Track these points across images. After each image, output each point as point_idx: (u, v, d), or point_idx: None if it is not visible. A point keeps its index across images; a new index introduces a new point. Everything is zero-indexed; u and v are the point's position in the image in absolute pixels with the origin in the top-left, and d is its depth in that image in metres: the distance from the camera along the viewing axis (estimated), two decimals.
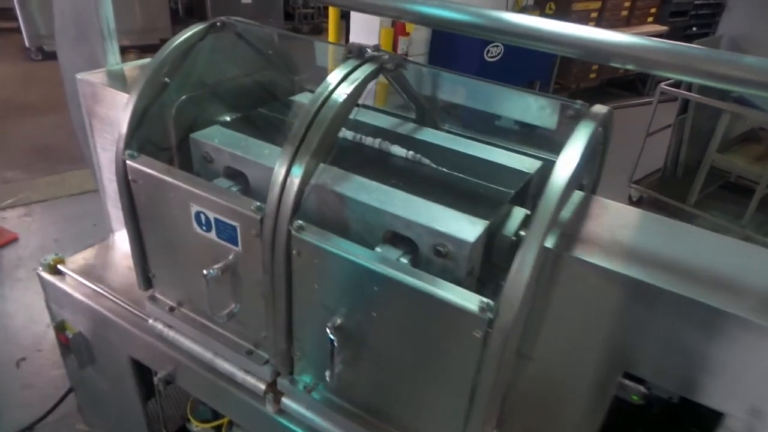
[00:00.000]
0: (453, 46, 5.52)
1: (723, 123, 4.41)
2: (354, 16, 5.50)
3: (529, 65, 6.00)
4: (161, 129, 1.55)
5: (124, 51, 2.19)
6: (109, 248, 2.07)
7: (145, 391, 2.01)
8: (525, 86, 6.03)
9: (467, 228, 1.18)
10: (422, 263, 1.23)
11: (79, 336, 1.94)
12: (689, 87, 4.88)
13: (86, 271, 1.94)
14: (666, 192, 5.00)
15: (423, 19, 1.40)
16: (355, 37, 5.75)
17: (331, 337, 1.24)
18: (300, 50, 1.92)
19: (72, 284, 1.90)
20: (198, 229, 1.41)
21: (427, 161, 1.45)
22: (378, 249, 1.24)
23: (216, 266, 1.39)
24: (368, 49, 1.39)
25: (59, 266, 1.92)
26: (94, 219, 4.01)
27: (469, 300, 1.06)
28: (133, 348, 1.81)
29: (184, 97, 1.57)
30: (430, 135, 1.63)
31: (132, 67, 2.02)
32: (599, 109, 1.18)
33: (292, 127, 1.28)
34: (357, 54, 1.37)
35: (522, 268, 0.99)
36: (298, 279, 1.28)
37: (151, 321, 1.69)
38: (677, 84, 4.87)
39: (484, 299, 1.05)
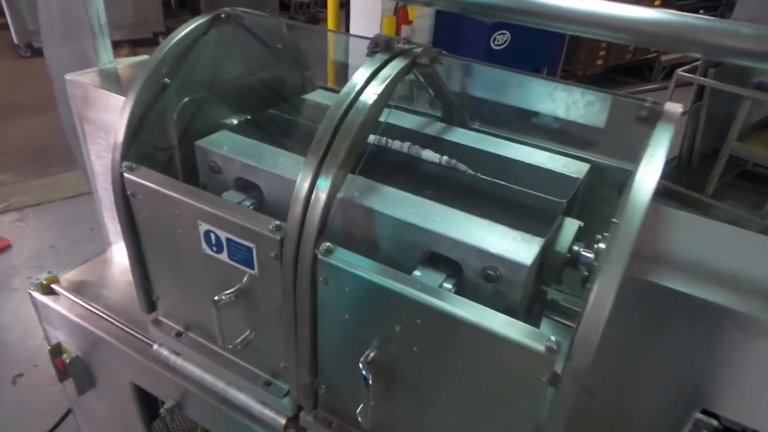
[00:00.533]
0: (458, 34, 5.33)
1: (744, 110, 4.24)
2: (354, 3, 5.29)
3: (536, 52, 5.81)
4: (162, 136, 1.38)
5: (116, 46, 2.02)
6: (107, 262, 1.90)
7: (148, 415, 1.86)
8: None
9: (522, 248, 1.02)
10: (468, 288, 1.07)
11: (77, 360, 1.78)
12: (705, 72, 4.70)
13: (82, 290, 1.77)
14: (682, 182, 4.84)
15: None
16: (355, 26, 5.54)
17: (365, 373, 1.08)
18: (311, 43, 1.74)
19: (67, 305, 1.74)
20: (208, 250, 1.25)
21: (463, 167, 1.29)
22: (417, 272, 1.08)
23: (228, 291, 1.23)
24: (397, 42, 1.22)
25: (53, 286, 1.76)
26: (90, 223, 3.84)
27: (533, 338, 0.90)
28: (136, 375, 1.65)
29: (186, 99, 1.40)
30: (460, 135, 1.47)
31: (126, 65, 1.84)
32: (674, 108, 1.02)
33: (316, 134, 1.11)
34: (385, 47, 1.20)
35: (601, 303, 0.83)
36: (325, 308, 1.12)
37: (155, 346, 1.53)
38: (693, 70, 4.70)
39: (552, 337, 0.89)
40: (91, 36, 1.70)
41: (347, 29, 5.62)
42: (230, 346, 1.32)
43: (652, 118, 1.00)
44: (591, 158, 1.44)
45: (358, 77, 1.15)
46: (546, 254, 1.13)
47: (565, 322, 1.28)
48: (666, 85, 7.18)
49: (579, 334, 0.84)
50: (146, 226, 1.35)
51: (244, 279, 1.23)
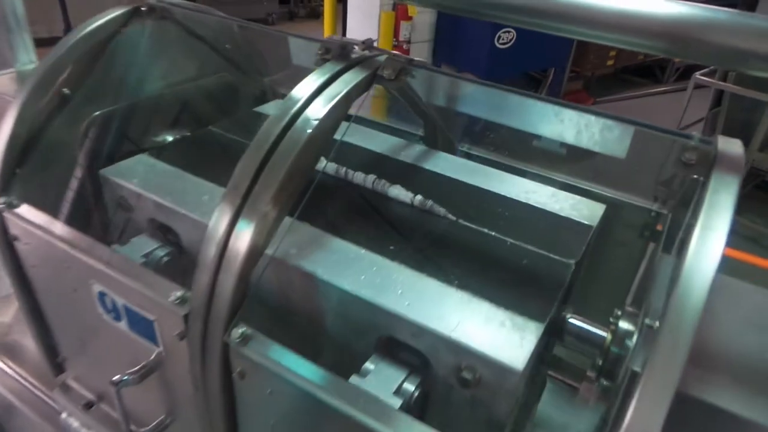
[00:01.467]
0: (461, 32, 5.01)
1: (767, 117, 3.91)
2: None
3: (543, 52, 5.48)
4: (63, 162, 1.09)
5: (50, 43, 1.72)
6: (13, 303, 1.60)
7: None
8: (538, 74, 5.48)
9: (511, 342, 0.73)
10: (438, 391, 0.78)
11: None
12: (724, 76, 4.37)
13: None
14: None
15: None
16: (352, 22, 5.22)
17: None
18: (269, 43, 1.45)
19: None
20: (105, 316, 0.96)
21: (441, 210, 0.99)
22: (369, 365, 0.78)
23: (131, 371, 0.94)
24: (356, 47, 0.92)
25: None
26: None
27: None
28: None
29: (97, 113, 1.11)
30: (443, 163, 1.17)
31: None
32: (731, 148, 0.72)
33: (237, 166, 0.82)
34: (339, 55, 0.90)
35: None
36: (246, 406, 0.84)
37: (64, 415, 1.25)
38: (711, 73, 4.37)
39: None
40: (5, 32, 1.41)
41: (344, 25, 5.31)
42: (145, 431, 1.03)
43: (702, 163, 0.70)
44: (607, 194, 1.15)
45: (301, 91, 0.86)
46: (548, 342, 0.84)
47: (570, 382, 1.00)
48: (679, 87, 6.84)
49: None
50: (40, 275, 1.06)
51: (152, 355, 0.94)
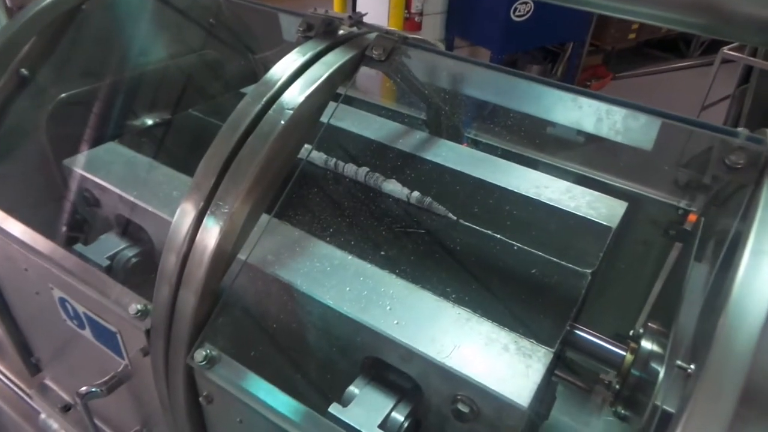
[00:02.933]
0: (475, 3, 4.79)
1: None
2: None
3: (561, 24, 5.23)
4: (24, 151, 0.99)
5: None
6: None
7: None
8: (556, 48, 5.25)
9: (516, 372, 0.63)
10: (431, 422, 0.68)
11: None
12: (754, 51, 4.13)
13: None
14: None
15: None
16: None
17: None
18: (258, 17, 1.32)
19: None
20: (69, 323, 0.87)
21: (442, 209, 0.88)
22: (353, 388, 0.69)
23: (98, 383, 0.85)
24: (342, 22, 0.80)
25: None
26: None
27: None
28: None
29: (62, 95, 1.01)
30: (447, 153, 1.05)
31: None
32: None
33: (202, 160, 0.72)
34: (322, 31, 0.78)
35: None
36: (216, 430, 0.75)
37: (43, 416, 1.18)
38: (740, 48, 4.12)
39: None
40: None
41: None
42: None
43: (751, 166, 0.58)
44: (628, 188, 1.03)
45: (277, 74, 0.75)
46: (555, 366, 0.74)
47: (580, 384, 0.91)
48: (704, 62, 6.53)
49: None
50: (2, 275, 0.98)
51: (120, 367, 0.86)
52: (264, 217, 0.75)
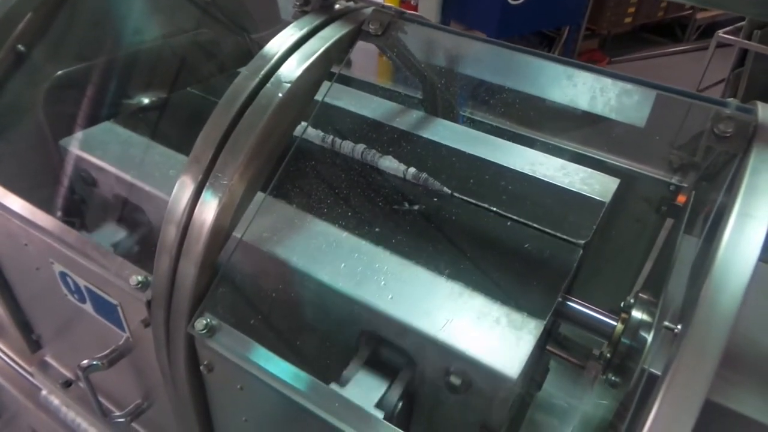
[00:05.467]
0: None
1: None
2: None
3: (557, 8, 5.21)
4: (21, 129, 0.99)
5: None
6: None
7: None
8: (552, 32, 5.24)
9: (506, 344, 0.64)
10: (425, 393, 0.70)
11: None
12: (750, 35, 4.13)
13: None
14: None
15: None
16: None
17: None
18: None
19: None
20: (70, 297, 0.88)
21: (437, 185, 0.89)
22: (349, 371, 0.71)
23: (99, 355, 0.87)
24: None
25: None
26: None
27: None
28: (34, 421, 1.33)
29: (59, 73, 1.01)
30: (443, 131, 1.06)
31: None
32: None
33: (200, 134, 0.73)
34: (318, 6, 0.79)
35: None
36: (216, 401, 0.77)
37: (44, 392, 1.20)
38: (736, 31, 4.13)
39: None
40: None
41: None
42: (119, 416, 0.98)
43: (740, 136, 0.59)
44: (621, 164, 1.05)
45: (273, 48, 0.75)
46: (550, 333, 0.76)
47: (574, 360, 0.93)
48: (700, 46, 6.52)
49: None
50: (2, 251, 0.99)
51: (121, 340, 0.87)
52: (260, 195, 0.76)
